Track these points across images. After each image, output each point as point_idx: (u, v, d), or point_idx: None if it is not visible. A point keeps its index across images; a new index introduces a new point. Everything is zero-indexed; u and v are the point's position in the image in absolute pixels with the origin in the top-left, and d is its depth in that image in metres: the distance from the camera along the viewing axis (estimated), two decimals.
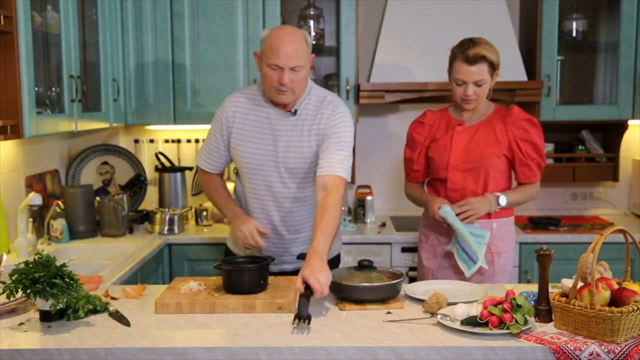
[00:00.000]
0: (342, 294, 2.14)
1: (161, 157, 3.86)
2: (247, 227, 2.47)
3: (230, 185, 2.87)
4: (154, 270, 3.24)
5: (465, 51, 2.52)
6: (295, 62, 2.31)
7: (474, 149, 2.60)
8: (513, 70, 3.60)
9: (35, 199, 2.88)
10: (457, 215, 2.53)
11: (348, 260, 3.45)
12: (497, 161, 2.59)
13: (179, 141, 3.99)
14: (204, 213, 3.76)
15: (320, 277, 1.99)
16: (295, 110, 2.45)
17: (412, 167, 2.75)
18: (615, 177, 3.84)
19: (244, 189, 2.60)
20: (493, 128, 2.61)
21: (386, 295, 2.13)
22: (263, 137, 2.48)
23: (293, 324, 1.89)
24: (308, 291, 1.99)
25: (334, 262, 2.64)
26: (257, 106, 2.50)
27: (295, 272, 2.47)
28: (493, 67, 2.54)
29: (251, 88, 2.58)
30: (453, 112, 2.70)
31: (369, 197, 3.86)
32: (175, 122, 3.64)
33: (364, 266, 2.22)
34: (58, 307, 1.93)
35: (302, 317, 1.89)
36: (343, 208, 3.82)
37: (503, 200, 2.58)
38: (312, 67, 3.84)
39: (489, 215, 2.61)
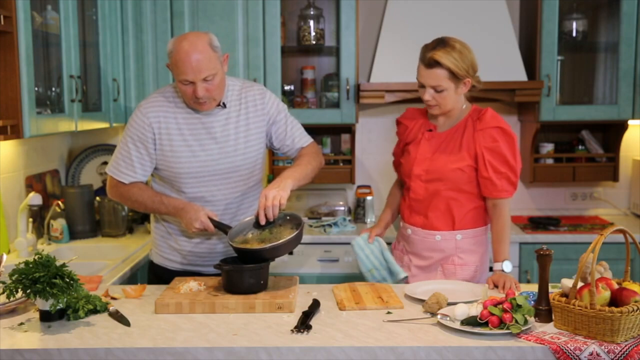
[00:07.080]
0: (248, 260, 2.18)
1: None
2: (200, 223, 2.29)
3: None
4: None
5: (426, 53, 2.36)
6: (204, 72, 2.23)
7: (438, 158, 2.43)
8: (513, 70, 3.60)
9: (35, 199, 2.88)
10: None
11: (348, 261, 3.46)
12: (460, 174, 2.39)
13: None
14: None
15: (268, 193, 2.20)
16: (224, 103, 2.39)
17: (394, 161, 2.69)
18: (615, 177, 3.84)
19: (179, 196, 2.41)
20: (462, 136, 2.41)
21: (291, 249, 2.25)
22: (199, 138, 2.36)
23: (292, 332, 1.89)
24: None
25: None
26: (181, 108, 2.38)
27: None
28: (454, 74, 2.33)
29: (167, 90, 2.43)
30: (430, 115, 2.52)
31: (368, 197, 3.86)
32: None
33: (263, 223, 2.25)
34: (58, 307, 1.93)
35: (300, 328, 1.89)
36: (343, 208, 3.87)
37: (507, 267, 2.36)
38: (312, 67, 3.86)
39: (452, 227, 2.44)
